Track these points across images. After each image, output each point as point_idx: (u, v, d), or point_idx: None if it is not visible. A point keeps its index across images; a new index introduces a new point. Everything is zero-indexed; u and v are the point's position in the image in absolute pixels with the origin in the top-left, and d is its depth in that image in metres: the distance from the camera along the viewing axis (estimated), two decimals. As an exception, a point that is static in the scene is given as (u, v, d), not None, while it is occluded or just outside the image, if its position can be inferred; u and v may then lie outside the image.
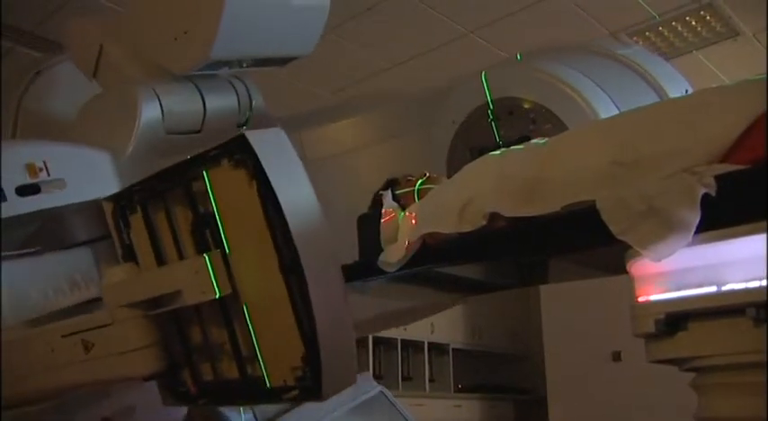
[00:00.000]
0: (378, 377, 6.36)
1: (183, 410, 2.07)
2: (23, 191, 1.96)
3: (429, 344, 6.77)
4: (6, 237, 1.97)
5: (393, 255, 1.77)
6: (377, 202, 2.05)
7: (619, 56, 2.22)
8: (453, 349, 7.04)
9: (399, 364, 6.48)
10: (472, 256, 1.75)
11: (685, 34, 4.53)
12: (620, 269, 1.48)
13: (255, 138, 1.52)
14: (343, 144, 2.72)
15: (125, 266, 1.79)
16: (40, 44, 4.27)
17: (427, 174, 2.04)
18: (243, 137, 1.52)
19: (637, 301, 1.41)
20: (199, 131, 2.30)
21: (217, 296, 1.52)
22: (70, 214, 2.15)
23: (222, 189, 1.58)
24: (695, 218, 1.25)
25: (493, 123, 2.21)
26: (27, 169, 1.98)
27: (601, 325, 4.65)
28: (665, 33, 4.51)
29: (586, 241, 1.51)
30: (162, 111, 2.18)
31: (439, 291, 2.16)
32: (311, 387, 1.45)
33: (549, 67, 2.20)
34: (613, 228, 1.33)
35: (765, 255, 1.21)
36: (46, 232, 2.19)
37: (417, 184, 2.01)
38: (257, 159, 1.49)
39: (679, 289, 1.34)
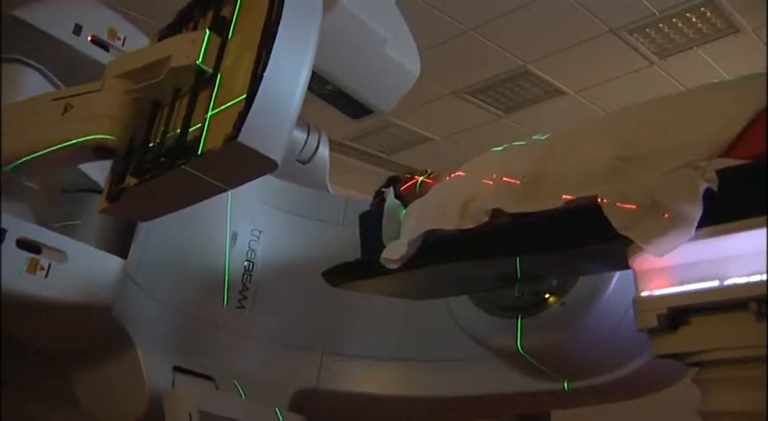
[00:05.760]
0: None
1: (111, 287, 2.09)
2: (96, 41, 2.24)
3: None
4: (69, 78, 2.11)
5: (395, 251, 1.77)
6: (378, 200, 2.05)
7: None
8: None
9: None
10: (474, 253, 1.75)
11: (685, 30, 4.52)
12: (623, 264, 1.48)
13: None
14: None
15: None
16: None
17: (429, 171, 2.05)
18: None
19: (639, 296, 1.42)
20: None
21: (199, 61, 1.57)
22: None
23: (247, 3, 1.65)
24: (697, 212, 1.25)
25: None
26: (108, 31, 2.28)
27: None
28: (665, 30, 4.50)
29: (589, 236, 1.51)
30: None
31: (441, 288, 2.17)
32: (233, 135, 1.45)
33: None
34: (616, 224, 1.33)
35: (767, 250, 1.22)
36: None
37: (419, 181, 2.01)
38: None
39: (681, 283, 1.34)
